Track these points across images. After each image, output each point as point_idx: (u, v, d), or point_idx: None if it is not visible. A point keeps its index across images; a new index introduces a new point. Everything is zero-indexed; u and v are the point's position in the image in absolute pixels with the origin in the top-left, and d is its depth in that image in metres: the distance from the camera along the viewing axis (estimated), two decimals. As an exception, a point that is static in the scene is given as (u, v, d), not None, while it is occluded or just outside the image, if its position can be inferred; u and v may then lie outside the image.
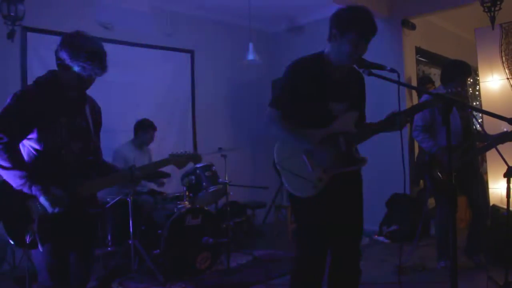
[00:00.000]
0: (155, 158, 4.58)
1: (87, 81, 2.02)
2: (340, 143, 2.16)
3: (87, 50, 1.93)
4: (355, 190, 2.28)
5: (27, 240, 1.88)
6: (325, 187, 2.12)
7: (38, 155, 1.98)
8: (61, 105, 2.02)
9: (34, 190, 1.88)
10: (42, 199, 1.89)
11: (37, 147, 1.97)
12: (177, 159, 2.41)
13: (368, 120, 2.34)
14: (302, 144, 2.14)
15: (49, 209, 1.90)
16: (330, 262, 2.27)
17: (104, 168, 2.27)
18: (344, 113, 2.19)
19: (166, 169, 4.43)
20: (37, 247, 1.90)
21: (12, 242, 1.91)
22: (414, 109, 2.33)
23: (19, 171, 1.88)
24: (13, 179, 1.89)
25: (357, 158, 2.21)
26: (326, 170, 2.12)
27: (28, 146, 1.98)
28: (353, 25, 2.03)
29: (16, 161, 1.90)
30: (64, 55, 1.94)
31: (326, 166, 2.10)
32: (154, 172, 4.37)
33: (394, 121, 2.11)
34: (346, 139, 2.17)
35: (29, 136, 1.96)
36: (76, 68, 1.93)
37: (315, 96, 2.14)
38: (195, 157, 2.49)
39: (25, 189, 1.88)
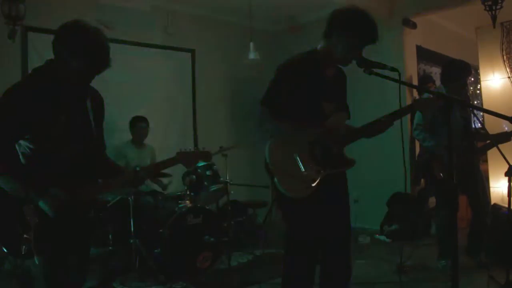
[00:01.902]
0: (156, 158, 4.58)
1: (87, 77, 1.84)
2: (332, 144, 2.16)
3: (87, 44, 1.74)
4: (343, 190, 2.30)
5: (23, 250, 1.72)
6: (317, 188, 2.11)
7: (35, 155, 1.77)
8: (59, 101, 1.80)
9: (31, 194, 1.70)
10: (41, 203, 1.72)
11: (33, 146, 1.77)
12: (186, 157, 2.11)
13: (368, 119, 2.34)
14: (301, 135, 2.12)
15: (50, 213, 1.72)
16: (321, 262, 2.27)
17: (107, 168, 2.08)
18: (335, 113, 2.19)
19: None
20: (33, 257, 1.73)
21: (5, 251, 1.75)
22: (401, 112, 2.32)
23: (12, 176, 1.71)
24: (6, 184, 1.71)
25: (348, 160, 2.21)
26: (319, 170, 2.12)
27: (23, 145, 1.78)
28: (355, 28, 2.04)
29: (9, 165, 1.72)
30: (61, 48, 1.76)
31: (319, 162, 2.10)
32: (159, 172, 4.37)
33: (378, 126, 2.13)
34: (338, 139, 2.17)
35: (25, 135, 1.77)
36: (74, 63, 1.75)
37: (307, 94, 2.13)
38: (205, 155, 2.25)
39: (21, 194, 1.70)
